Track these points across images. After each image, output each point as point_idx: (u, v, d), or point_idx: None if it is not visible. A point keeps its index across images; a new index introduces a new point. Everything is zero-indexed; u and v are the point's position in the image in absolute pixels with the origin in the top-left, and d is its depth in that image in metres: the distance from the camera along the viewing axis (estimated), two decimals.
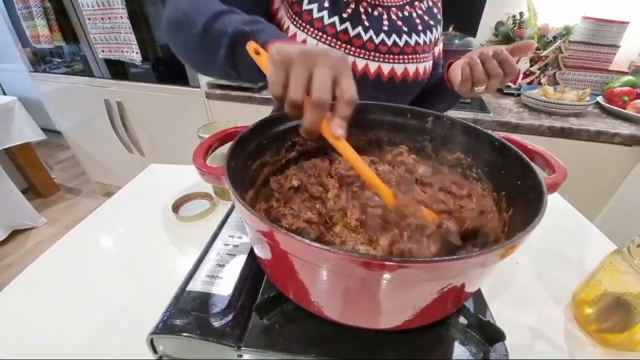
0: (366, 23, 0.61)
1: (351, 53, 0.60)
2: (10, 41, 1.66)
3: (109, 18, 1.35)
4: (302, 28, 0.59)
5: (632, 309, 0.39)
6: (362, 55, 0.61)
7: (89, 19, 1.39)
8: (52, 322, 0.43)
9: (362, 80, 0.63)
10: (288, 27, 0.60)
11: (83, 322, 0.42)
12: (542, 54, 1.39)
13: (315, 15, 0.58)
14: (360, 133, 0.52)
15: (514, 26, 1.42)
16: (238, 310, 0.36)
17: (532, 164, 0.36)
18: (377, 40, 0.61)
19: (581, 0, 1.37)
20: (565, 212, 0.68)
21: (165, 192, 0.68)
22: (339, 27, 0.59)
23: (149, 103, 1.58)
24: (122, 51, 1.41)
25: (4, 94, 2.38)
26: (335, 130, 0.31)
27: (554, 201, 0.70)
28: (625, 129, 1.09)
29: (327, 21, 0.58)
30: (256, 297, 0.39)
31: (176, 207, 0.64)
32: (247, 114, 1.38)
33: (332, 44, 0.59)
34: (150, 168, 0.80)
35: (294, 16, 0.59)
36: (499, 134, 0.42)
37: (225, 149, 0.37)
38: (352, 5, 0.59)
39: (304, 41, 0.59)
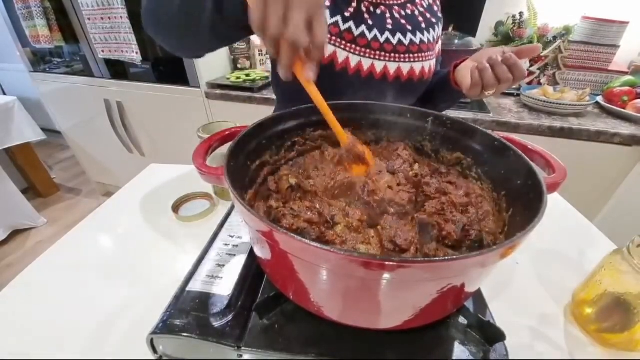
0: (370, 22, 0.60)
1: (356, 53, 0.60)
2: (10, 41, 1.66)
3: (109, 18, 1.35)
4: None
5: (632, 309, 0.39)
6: (367, 55, 0.61)
7: (89, 19, 1.39)
8: (52, 322, 0.43)
9: (368, 80, 0.62)
10: None
11: (83, 322, 0.42)
12: (541, 54, 1.39)
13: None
14: (360, 133, 0.52)
15: (514, 26, 1.42)
16: (238, 310, 0.36)
17: (532, 164, 0.36)
18: (381, 39, 0.61)
19: (581, 0, 1.37)
20: (565, 212, 0.68)
21: (165, 192, 0.68)
22: (343, 27, 0.58)
23: (149, 103, 1.58)
24: (122, 51, 1.41)
25: (4, 94, 2.38)
26: (306, 73, 0.36)
27: (554, 201, 0.70)
28: (625, 129, 1.09)
29: (330, 20, 0.57)
30: (256, 297, 0.39)
31: (176, 207, 0.64)
32: (247, 114, 1.38)
33: (337, 44, 0.59)
34: (150, 168, 0.80)
35: None
36: (499, 134, 0.42)
37: (225, 149, 0.37)
38: (354, 4, 0.59)
39: None
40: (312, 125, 0.49)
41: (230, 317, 0.35)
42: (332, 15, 0.58)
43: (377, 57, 0.61)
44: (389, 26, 0.62)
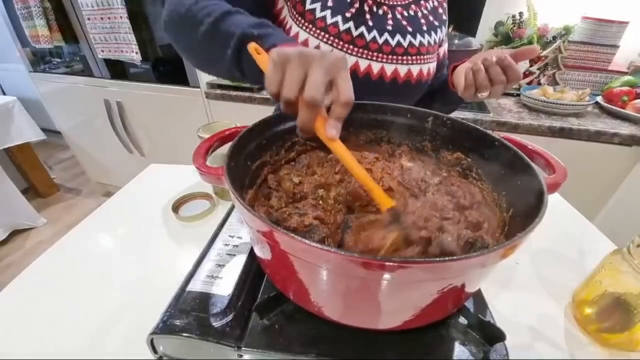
0: (370, 23, 0.60)
1: (354, 53, 0.60)
2: (10, 41, 1.66)
3: (109, 18, 1.34)
4: (304, 28, 0.58)
5: (632, 309, 0.39)
6: (364, 56, 0.61)
7: (89, 18, 1.39)
8: (52, 322, 0.43)
9: (365, 81, 0.62)
10: (290, 27, 0.60)
11: (83, 322, 0.42)
12: (541, 54, 1.39)
13: (318, 14, 0.57)
14: (360, 133, 0.52)
15: (514, 26, 1.42)
16: (238, 310, 0.36)
17: (532, 164, 0.36)
18: (380, 41, 0.61)
19: (581, 0, 1.37)
20: (565, 212, 0.68)
21: (165, 192, 0.68)
22: (342, 27, 0.58)
23: (148, 103, 1.58)
24: (122, 51, 1.41)
25: (4, 94, 2.38)
26: (328, 132, 0.32)
27: (554, 201, 0.70)
28: (625, 129, 1.09)
29: (329, 20, 0.57)
30: (256, 297, 0.39)
31: (176, 207, 0.64)
32: (247, 114, 1.38)
33: (335, 44, 0.59)
34: (150, 168, 0.80)
35: (296, 16, 0.59)
36: (498, 134, 0.42)
37: (225, 149, 0.37)
38: (357, 5, 0.59)
39: (306, 41, 0.58)
40: None
41: (230, 317, 0.35)
42: (333, 16, 0.58)
43: (374, 59, 0.61)
44: (389, 27, 0.62)
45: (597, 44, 1.34)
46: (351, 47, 0.60)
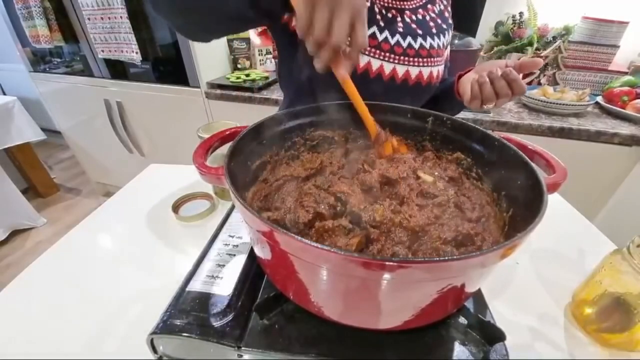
0: (381, 24, 0.60)
1: (366, 53, 0.60)
2: (10, 41, 1.66)
3: (109, 18, 1.35)
4: None
5: (632, 309, 0.39)
6: (377, 56, 0.61)
7: (89, 18, 1.39)
8: (52, 322, 0.43)
9: (376, 81, 0.63)
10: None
11: (83, 322, 0.42)
12: (541, 54, 1.39)
13: None
14: (359, 133, 0.52)
15: (514, 26, 1.42)
16: (238, 310, 0.36)
17: (532, 164, 0.36)
18: (392, 42, 0.61)
19: (581, 0, 1.37)
20: (565, 212, 0.68)
21: (165, 192, 0.68)
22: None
23: (148, 103, 1.58)
24: (122, 51, 1.41)
25: (4, 94, 2.37)
26: (342, 72, 0.39)
27: (554, 201, 0.70)
28: (625, 129, 1.09)
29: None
30: (256, 297, 0.39)
31: (176, 207, 0.64)
32: (247, 114, 1.38)
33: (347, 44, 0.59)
34: (150, 168, 0.80)
35: None
36: (498, 134, 0.42)
37: (225, 149, 0.37)
38: (367, 4, 0.59)
39: None
40: (312, 125, 0.49)
41: (230, 317, 0.35)
42: None
43: (386, 59, 0.62)
44: (400, 29, 0.62)
45: (597, 44, 1.34)
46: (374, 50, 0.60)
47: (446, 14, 0.71)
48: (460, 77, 0.67)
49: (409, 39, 0.63)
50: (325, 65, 0.37)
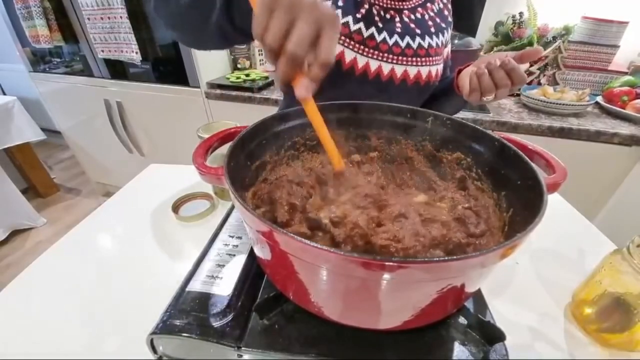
0: (380, 24, 0.60)
1: (364, 54, 0.60)
2: (10, 41, 1.66)
3: (109, 18, 1.35)
4: None
5: (632, 309, 0.39)
6: (375, 57, 0.61)
7: (89, 18, 1.39)
8: (52, 322, 0.43)
9: (375, 82, 0.63)
10: None
11: (83, 322, 0.42)
12: (541, 54, 1.39)
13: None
14: (359, 133, 0.52)
15: (514, 26, 1.42)
16: (238, 310, 0.36)
17: (532, 164, 0.36)
18: (390, 42, 0.61)
19: (581, 0, 1.37)
20: (565, 212, 0.68)
21: (165, 192, 0.68)
22: (353, 27, 0.58)
23: (148, 103, 1.58)
24: (122, 51, 1.41)
25: (4, 94, 2.37)
26: (298, 91, 0.32)
27: (554, 201, 0.70)
28: (625, 129, 1.09)
29: (341, 20, 0.57)
30: (256, 297, 0.39)
31: (176, 207, 0.64)
32: (247, 114, 1.38)
33: (346, 44, 0.59)
34: (150, 168, 0.80)
35: None
36: (498, 134, 0.42)
37: (225, 149, 0.37)
38: (366, 6, 0.59)
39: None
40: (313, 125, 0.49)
41: (230, 317, 0.35)
42: (344, 16, 0.58)
43: (385, 60, 0.62)
44: (398, 29, 0.62)
45: (597, 44, 1.34)
46: (362, 47, 0.60)
47: (445, 12, 0.71)
48: (459, 72, 0.67)
49: (407, 38, 0.62)
50: (283, 80, 0.31)
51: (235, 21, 0.44)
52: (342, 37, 0.58)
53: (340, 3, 0.57)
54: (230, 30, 0.45)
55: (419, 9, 0.65)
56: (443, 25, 0.69)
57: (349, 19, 0.58)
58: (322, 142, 0.37)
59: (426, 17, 0.66)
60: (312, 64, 0.31)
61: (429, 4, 0.67)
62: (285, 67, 0.30)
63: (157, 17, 0.52)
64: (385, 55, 0.61)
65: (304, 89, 0.31)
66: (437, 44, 0.66)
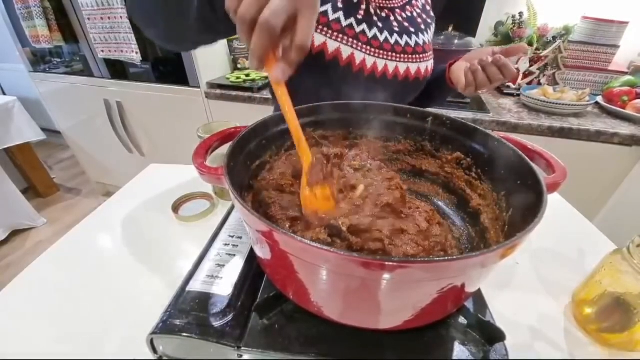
0: (379, 24, 0.62)
1: (371, 54, 0.61)
2: (10, 41, 1.66)
3: (109, 18, 1.34)
4: (319, 30, 0.58)
5: (632, 309, 0.39)
6: (380, 56, 0.62)
7: (89, 18, 1.39)
8: (52, 322, 0.43)
9: (381, 80, 0.64)
10: None
11: (83, 322, 0.42)
12: (541, 54, 1.39)
13: (332, 17, 0.58)
14: (359, 133, 0.52)
15: (514, 26, 1.42)
16: (238, 310, 0.36)
17: (532, 164, 0.36)
18: (392, 41, 0.63)
19: (581, 0, 1.37)
20: (565, 212, 0.68)
21: (165, 192, 0.68)
22: (358, 29, 0.59)
23: (148, 103, 1.58)
24: (122, 51, 1.41)
25: (4, 94, 2.38)
26: (274, 73, 0.30)
27: (554, 201, 0.70)
28: (625, 129, 1.09)
29: (344, 23, 0.58)
30: (256, 297, 0.39)
31: (176, 207, 0.64)
32: (247, 114, 1.38)
33: (354, 46, 0.60)
34: (150, 168, 0.80)
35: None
36: (498, 134, 0.42)
37: (225, 149, 0.37)
38: (363, 6, 0.60)
39: (324, 44, 0.58)
40: (312, 125, 0.49)
41: (230, 317, 0.35)
42: (346, 18, 0.59)
43: (389, 58, 0.64)
44: (396, 28, 0.64)
45: (597, 44, 1.34)
46: (368, 47, 0.61)
47: (427, 7, 0.73)
48: (450, 66, 0.70)
49: (405, 37, 0.65)
50: (258, 54, 0.29)
51: (217, 5, 0.41)
52: (350, 40, 0.59)
53: (339, 5, 0.58)
54: (212, 16, 0.43)
55: (407, 7, 0.67)
56: (429, 20, 0.71)
57: (352, 20, 0.59)
58: (292, 134, 0.36)
59: (414, 14, 0.68)
60: (288, 48, 0.30)
61: (414, 1, 0.69)
62: (259, 40, 0.28)
63: (133, 16, 0.49)
64: (389, 54, 0.63)
65: (280, 71, 0.30)
66: (428, 40, 0.69)
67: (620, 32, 1.31)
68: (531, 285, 0.50)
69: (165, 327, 0.34)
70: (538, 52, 1.40)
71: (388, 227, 0.35)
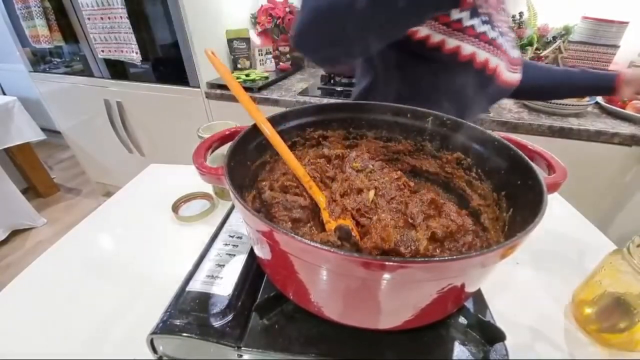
0: (500, 29, 0.62)
1: (503, 59, 0.63)
2: (10, 41, 1.66)
3: (109, 18, 1.35)
4: (453, 36, 0.57)
5: (632, 309, 0.39)
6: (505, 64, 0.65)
7: (89, 18, 1.39)
8: (52, 322, 0.43)
9: (502, 88, 0.66)
10: (429, 35, 0.57)
11: (83, 322, 0.42)
12: (541, 54, 1.39)
13: (466, 23, 0.57)
14: (359, 133, 0.52)
15: (514, 26, 1.42)
16: (238, 310, 0.36)
17: (532, 164, 0.36)
18: (512, 54, 0.66)
19: (581, 0, 1.37)
20: (565, 212, 0.68)
21: (165, 192, 0.68)
22: (491, 35, 0.60)
23: (148, 103, 1.58)
24: (122, 51, 1.41)
25: (4, 94, 2.38)
26: None
27: (554, 201, 0.70)
28: (625, 129, 1.09)
29: (479, 29, 0.58)
30: (256, 297, 0.39)
31: (176, 207, 0.64)
32: (247, 114, 1.38)
33: (487, 50, 0.60)
34: (150, 168, 0.80)
35: (441, 27, 0.57)
36: (498, 134, 0.42)
37: (225, 149, 0.37)
38: (484, 18, 0.59)
39: (458, 47, 0.58)
40: (312, 125, 0.49)
41: (230, 317, 0.35)
42: (480, 25, 0.59)
43: (511, 70, 0.67)
44: (509, 40, 0.66)
45: (597, 44, 1.34)
46: (495, 49, 0.61)
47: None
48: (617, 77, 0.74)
49: (516, 49, 0.69)
50: None
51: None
52: (485, 45, 0.59)
53: (471, 13, 0.57)
54: (417, 20, 0.45)
55: (502, 20, 0.68)
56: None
57: (487, 28, 0.59)
58: (302, 182, 0.41)
59: (506, 27, 0.68)
60: None
61: (503, 17, 0.69)
62: None
63: (308, 38, 0.47)
64: (511, 66, 0.66)
65: None
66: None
67: (620, 32, 1.31)
68: (531, 285, 0.50)
69: (165, 327, 0.34)
70: (538, 52, 1.40)
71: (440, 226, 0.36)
